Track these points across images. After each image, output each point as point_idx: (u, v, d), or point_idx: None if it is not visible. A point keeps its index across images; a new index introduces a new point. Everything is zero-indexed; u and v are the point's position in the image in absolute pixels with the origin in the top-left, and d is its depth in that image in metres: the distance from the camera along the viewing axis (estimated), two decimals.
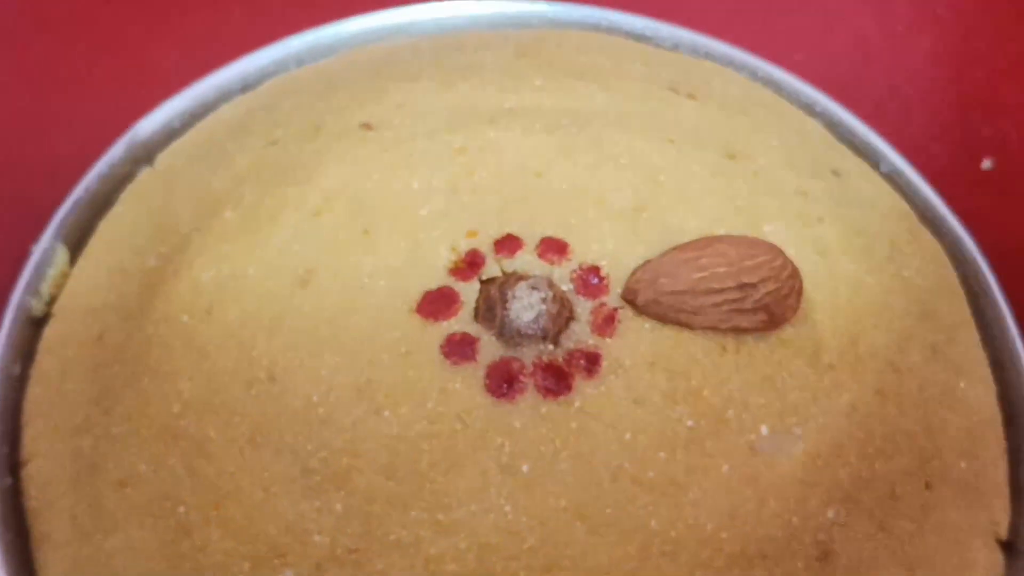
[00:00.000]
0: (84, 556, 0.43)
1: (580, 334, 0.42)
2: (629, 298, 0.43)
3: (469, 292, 0.43)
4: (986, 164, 0.64)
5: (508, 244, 0.44)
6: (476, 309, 0.43)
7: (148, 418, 0.43)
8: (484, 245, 0.44)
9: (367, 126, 0.49)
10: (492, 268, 0.44)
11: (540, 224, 0.45)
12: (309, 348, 0.42)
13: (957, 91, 0.67)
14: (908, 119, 0.60)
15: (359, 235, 0.45)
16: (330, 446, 0.41)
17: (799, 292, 0.44)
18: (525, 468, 0.40)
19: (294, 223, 0.45)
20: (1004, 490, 0.47)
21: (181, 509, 0.42)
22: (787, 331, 0.44)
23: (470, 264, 0.44)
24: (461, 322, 0.42)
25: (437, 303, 0.43)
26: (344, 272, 0.44)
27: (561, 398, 0.41)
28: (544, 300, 0.42)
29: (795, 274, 0.44)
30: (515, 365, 0.42)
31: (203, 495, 0.42)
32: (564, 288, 0.43)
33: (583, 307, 0.43)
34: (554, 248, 0.44)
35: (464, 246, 0.44)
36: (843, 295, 0.46)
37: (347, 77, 0.54)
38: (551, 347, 0.42)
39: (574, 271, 0.44)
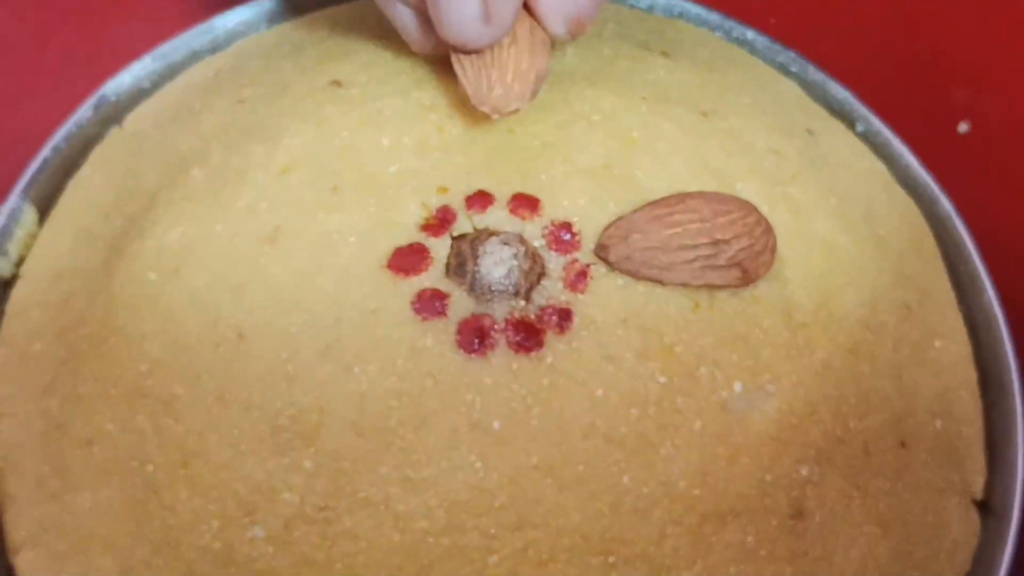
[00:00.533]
0: (51, 516, 0.42)
1: (552, 290, 0.42)
2: (601, 254, 0.42)
3: (440, 248, 0.43)
4: (962, 127, 0.64)
5: (479, 200, 0.44)
6: (447, 265, 0.42)
7: (115, 378, 0.43)
8: (455, 201, 0.44)
9: (336, 83, 0.48)
10: (463, 224, 0.43)
11: (511, 180, 0.44)
12: (277, 306, 0.42)
13: (935, 54, 0.66)
14: (885, 82, 0.60)
15: (327, 193, 0.44)
16: (299, 404, 0.40)
17: (772, 249, 0.43)
18: (496, 425, 0.40)
19: (261, 182, 0.45)
20: (979, 450, 0.47)
21: (149, 468, 0.41)
22: (760, 288, 0.44)
23: (441, 220, 0.43)
24: (432, 278, 0.42)
25: (407, 259, 0.42)
26: (312, 230, 0.43)
27: (532, 354, 0.41)
28: (515, 256, 0.42)
29: (768, 230, 0.43)
30: (486, 321, 0.41)
31: (171, 454, 0.41)
32: (536, 244, 0.43)
33: (555, 263, 0.43)
34: (526, 204, 0.44)
35: (435, 202, 0.44)
36: (817, 253, 0.46)
37: (316, 37, 0.54)
38: (523, 303, 0.42)
39: (546, 227, 0.43)
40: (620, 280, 0.42)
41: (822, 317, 0.44)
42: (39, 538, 0.43)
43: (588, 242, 0.43)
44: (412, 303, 0.41)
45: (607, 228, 0.43)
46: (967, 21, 0.66)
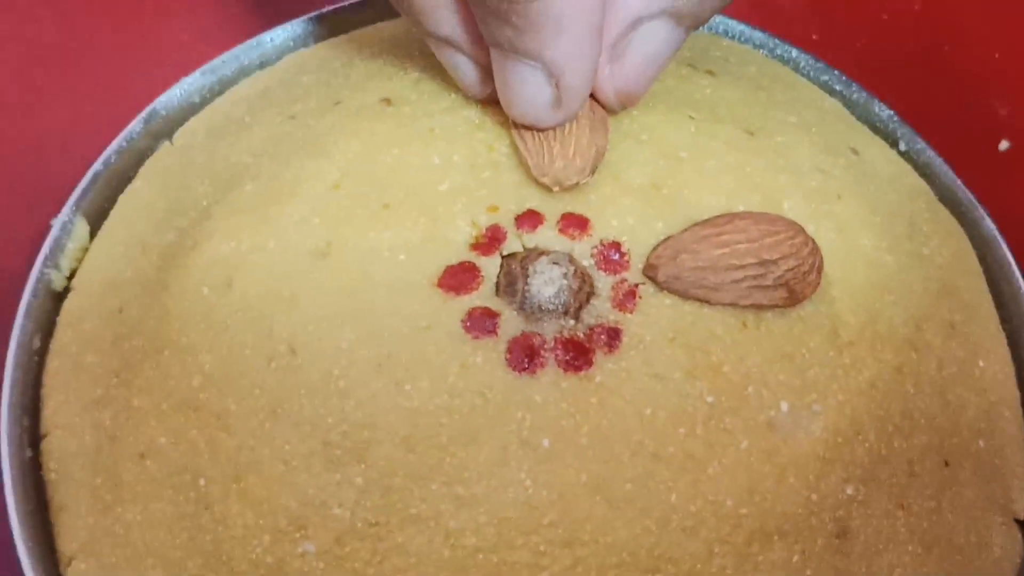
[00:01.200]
0: (103, 528, 0.43)
1: (601, 309, 0.42)
2: (650, 274, 0.43)
3: (490, 267, 0.43)
4: (1003, 145, 0.64)
5: (529, 219, 0.44)
6: (497, 284, 0.43)
7: (168, 391, 0.43)
8: (505, 220, 0.44)
9: (386, 101, 0.49)
10: (513, 243, 0.44)
11: (560, 199, 0.45)
12: (329, 322, 0.42)
13: (976, 72, 0.66)
14: (927, 99, 0.60)
15: (378, 209, 0.45)
16: (350, 419, 0.41)
17: (819, 269, 0.44)
18: (545, 442, 0.40)
19: (313, 196, 0.45)
20: (1022, 469, 0.48)
21: (201, 482, 0.42)
22: (806, 308, 0.44)
23: (491, 239, 0.44)
24: (482, 297, 0.42)
25: (458, 277, 0.43)
26: (363, 246, 0.44)
27: (582, 373, 0.41)
28: (565, 275, 0.42)
29: (815, 251, 0.44)
30: (536, 340, 0.42)
31: (223, 468, 0.42)
32: (585, 263, 0.43)
33: (604, 282, 0.43)
34: (575, 223, 0.44)
35: (485, 221, 0.44)
36: (861, 272, 0.46)
37: (365, 53, 0.54)
38: (572, 322, 0.42)
39: (595, 247, 0.44)
40: (668, 300, 0.43)
41: (868, 336, 0.44)
42: (91, 549, 0.43)
43: (637, 261, 0.43)
44: (463, 321, 0.42)
45: (656, 248, 0.43)
46: (1010, 38, 0.66)
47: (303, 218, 0.45)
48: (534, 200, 0.45)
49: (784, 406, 0.42)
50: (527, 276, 0.42)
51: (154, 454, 0.43)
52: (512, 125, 0.46)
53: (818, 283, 0.44)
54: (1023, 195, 0.59)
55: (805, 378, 0.43)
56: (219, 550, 0.41)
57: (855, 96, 0.57)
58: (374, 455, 0.40)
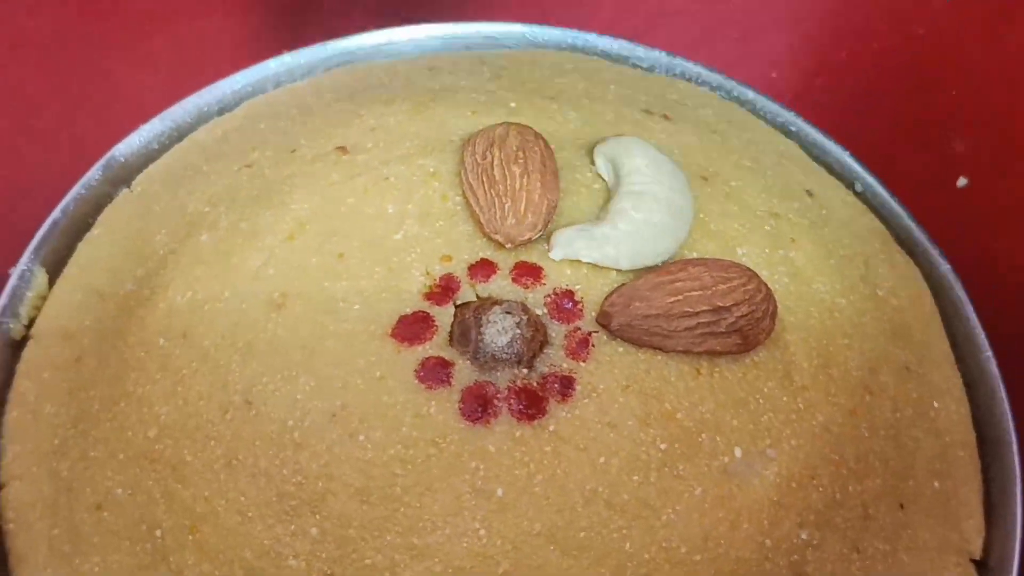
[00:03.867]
0: None
1: (554, 358, 0.43)
2: (603, 322, 0.43)
3: (444, 316, 0.43)
4: (961, 182, 0.64)
5: (482, 269, 0.44)
6: (451, 334, 0.43)
7: (124, 442, 0.43)
8: (458, 269, 0.44)
9: (342, 149, 0.49)
10: (467, 293, 0.44)
11: (514, 249, 0.45)
12: (284, 372, 0.42)
13: (934, 109, 0.67)
14: (884, 138, 0.60)
15: (333, 259, 0.45)
16: (305, 471, 0.41)
17: (773, 315, 0.44)
18: (499, 492, 0.41)
19: (268, 247, 0.46)
20: (977, 510, 0.48)
21: (157, 533, 0.42)
22: (760, 353, 0.44)
23: (444, 288, 0.44)
24: (436, 347, 0.43)
25: (412, 327, 0.43)
26: (318, 296, 0.44)
27: (535, 422, 0.41)
28: (518, 324, 0.42)
29: (769, 297, 0.44)
30: (489, 389, 0.42)
31: (179, 519, 0.42)
32: (538, 312, 0.43)
33: (557, 331, 0.43)
34: (528, 272, 0.44)
35: (439, 270, 0.44)
36: (816, 316, 0.47)
37: (322, 100, 0.54)
38: (525, 371, 0.42)
39: (548, 295, 0.44)
40: (622, 347, 0.43)
41: (822, 380, 0.45)
42: None
43: (590, 309, 0.44)
44: (416, 371, 0.42)
45: (609, 296, 0.43)
46: (966, 76, 0.67)
47: (258, 269, 0.45)
48: (487, 250, 0.45)
49: (738, 452, 0.42)
50: (480, 325, 0.42)
51: (111, 505, 0.43)
52: (463, 180, 0.46)
53: (772, 329, 0.44)
54: (980, 231, 0.59)
55: (759, 423, 0.43)
56: None
57: (811, 138, 0.57)
58: (329, 506, 0.41)
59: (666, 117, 0.53)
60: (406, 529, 0.40)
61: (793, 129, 0.58)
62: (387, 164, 0.48)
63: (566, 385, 0.42)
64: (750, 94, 0.59)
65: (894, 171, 0.56)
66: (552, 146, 0.47)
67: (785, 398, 0.44)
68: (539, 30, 0.59)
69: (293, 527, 0.41)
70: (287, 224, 0.46)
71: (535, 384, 0.42)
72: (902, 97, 0.67)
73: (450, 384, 0.42)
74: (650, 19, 0.64)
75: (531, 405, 0.42)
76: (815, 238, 0.49)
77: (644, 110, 0.53)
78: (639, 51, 0.60)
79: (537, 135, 0.47)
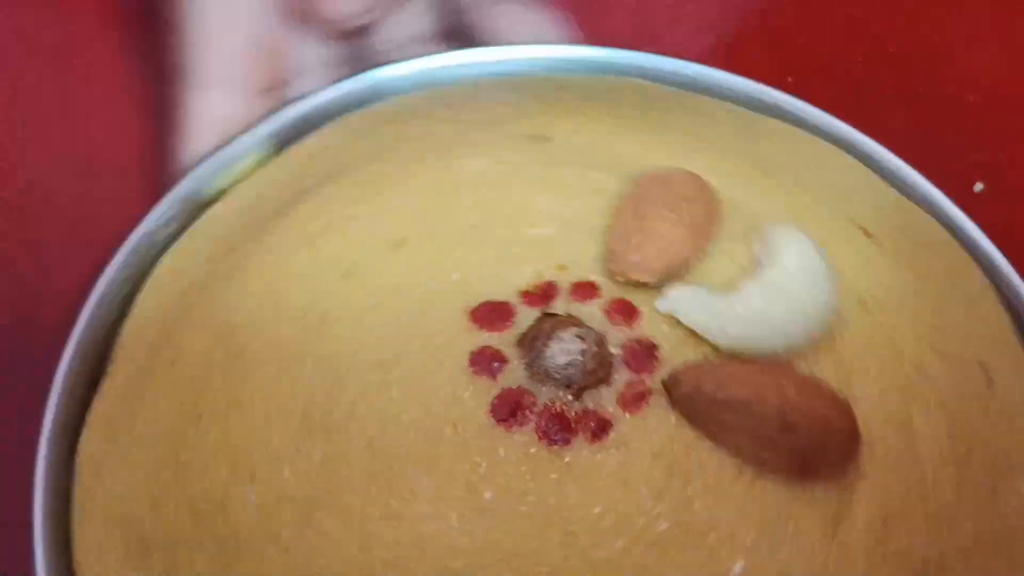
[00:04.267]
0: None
1: (605, 399, 0.42)
2: (668, 384, 0.42)
3: (528, 319, 0.43)
4: (978, 187, 0.62)
5: (584, 290, 0.44)
6: (523, 335, 0.43)
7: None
8: (565, 282, 0.44)
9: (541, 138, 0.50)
10: (561, 306, 0.44)
11: (623, 283, 0.44)
12: (365, 306, 0.44)
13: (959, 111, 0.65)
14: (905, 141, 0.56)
15: (467, 226, 0.46)
16: (335, 399, 0.42)
17: (848, 455, 0.41)
18: (488, 495, 0.40)
19: (418, 188, 0.48)
20: None
21: (206, 397, 0.44)
22: (819, 488, 0.42)
23: (543, 294, 0.44)
24: (503, 342, 0.43)
25: (492, 314, 0.43)
26: (433, 247, 0.45)
27: (555, 448, 0.41)
28: (583, 352, 0.42)
29: (854, 437, 0.42)
30: (527, 398, 0.42)
31: (223, 395, 0.44)
32: (612, 351, 0.43)
33: (621, 376, 0.42)
34: (624, 311, 0.44)
35: (548, 276, 0.44)
36: (914, 495, 0.43)
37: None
38: (570, 399, 0.42)
39: (631, 340, 0.43)
40: (674, 418, 0.42)
41: (870, 544, 0.42)
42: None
43: (665, 370, 0.42)
44: (472, 353, 0.42)
45: (688, 364, 0.42)
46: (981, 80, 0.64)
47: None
48: (602, 276, 0.44)
49: (739, 568, 0.40)
50: (549, 338, 0.42)
51: (182, 357, 0.46)
52: (617, 206, 0.46)
53: (842, 469, 0.41)
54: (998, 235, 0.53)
55: (775, 553, 0.41)
56: (185, 470, 0.43)
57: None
58: (338, 441, 0.42)
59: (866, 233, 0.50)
60: (389, 490, 0.41)
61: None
62: (569, 165, 0.48)
63: (601, 427, 0.41)
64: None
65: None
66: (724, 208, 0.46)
67: (817, 543, 0.41)
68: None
69: (302, 446, 0.42)
70: (452, 176, 0.48)
71: (573, 414, 0.41)
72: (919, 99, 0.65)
73: (495, 379, 0.42)
74: None
75: (559, 431, 0.41)
76: (952, 417, 0.45)
77: (852, 219, 0.50)
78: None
79: (713, 195, 0.46)
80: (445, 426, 0.41)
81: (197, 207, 0.52)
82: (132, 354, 0.47)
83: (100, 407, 0.47)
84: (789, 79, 0.60)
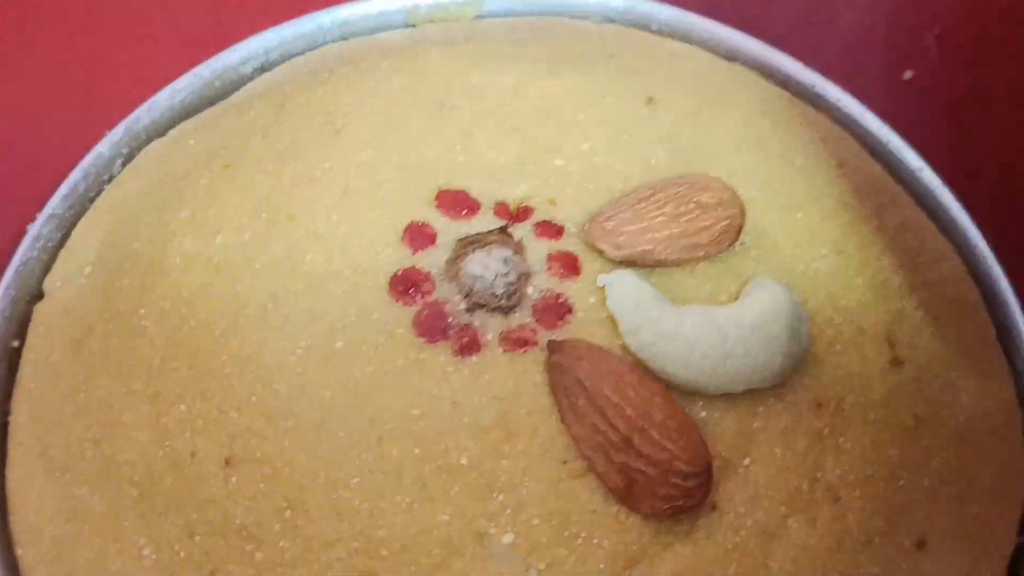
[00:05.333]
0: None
1: (493, 324, 0.42)
2: (552, 347, 0.41)
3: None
4: (907, 75, 0.64)
5: (548, 229, 0.45)
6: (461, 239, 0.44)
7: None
8: (541, 211, 0.45)
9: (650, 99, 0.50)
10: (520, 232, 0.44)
11: (586, 242, 0.44)
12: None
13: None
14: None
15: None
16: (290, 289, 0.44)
17: (677, 510, 0.40)
18: (416, 412, 0.42)
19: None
20: None
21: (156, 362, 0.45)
22: (634, 517, 0.40)
23: (516, 214, 0.45)
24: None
25: (459, 203, 0.45)
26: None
27: (419, 340, 0.42)
28: (496, 274, 0.42)
29: (691, 495, 0.40)
30: (425, 285, 0.42)
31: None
32: (529, 292, 0.43)
33: (523, 315, 0.43)
34: (567, 264, 0.44)
35: (532, 202, 0.45)
36: None
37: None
38: (463, 307, 0.42)
39: (552, 293, 0.43)
40: (539, 378, 0.41)
41: None
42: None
43: (566, 330, 0.42)
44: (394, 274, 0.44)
45: (583, 341, 0.41)
46: None
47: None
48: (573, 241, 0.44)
49: (506, 540, 0.40)
50: (477, 249, 0.43)
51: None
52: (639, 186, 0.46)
53: (665, 517, 0.40)
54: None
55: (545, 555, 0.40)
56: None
57: None
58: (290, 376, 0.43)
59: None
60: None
61: None
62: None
63: (469, 346, 0.42)
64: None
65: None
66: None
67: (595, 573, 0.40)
68: None
69: (259, 386, 0.42)
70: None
71: (453, 320, 0.42)
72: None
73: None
74: None
75: (435, 328, 0.42)
76: None
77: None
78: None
79: (740, 214, 0.44)
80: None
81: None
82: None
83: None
84: None
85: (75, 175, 0.52)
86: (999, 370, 0.48)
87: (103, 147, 0.53)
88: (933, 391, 0.45)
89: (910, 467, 0.43)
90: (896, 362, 0.45)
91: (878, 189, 0.51)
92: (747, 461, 0.42)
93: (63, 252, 0.50)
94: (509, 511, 0.40)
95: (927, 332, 0.46)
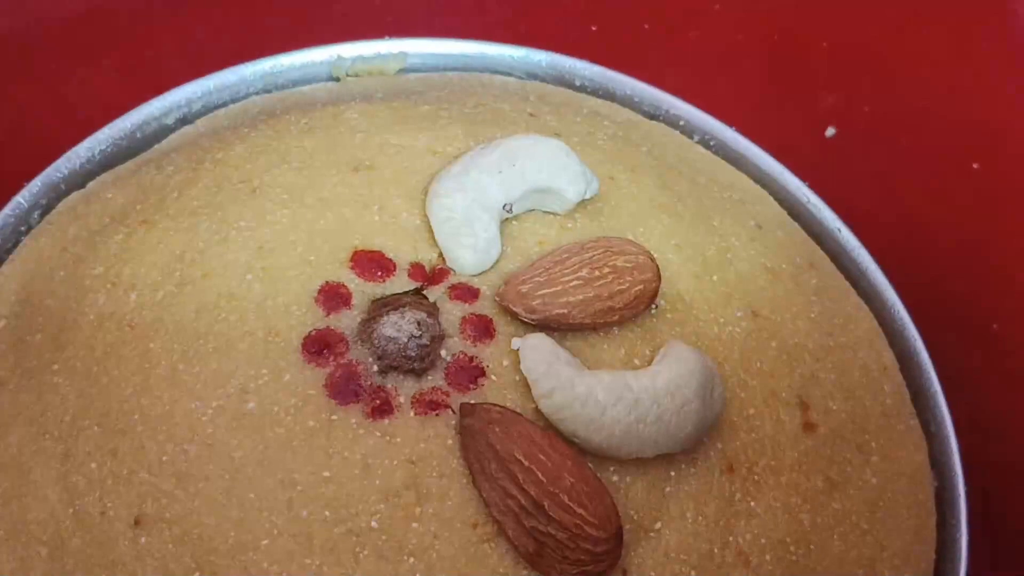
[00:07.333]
0: None
1: (405, 387, 0.42)
2: (464, 410, 0.41)
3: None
4: (829, 132, 0.66)
5: (464, 293, 0.44)
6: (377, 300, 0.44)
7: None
8: (456, 279, 0.45)
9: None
10: (435, 295, 0.44)
11: (499, 304, 0.44)
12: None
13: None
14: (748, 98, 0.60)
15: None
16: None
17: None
18: (250, 406, 0.41)
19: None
20: None
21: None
22: None
23: (431, 275, 0.45)
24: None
25: (374, 264, 0.45)
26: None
27: (332, 402, 0.42)
28: (410, 336, 0.42)
29: (598, 562, 0.40)
30: (339, 346, 0.42)
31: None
32: (443, 355, 0.43)
33: (435, 378, 0.42)
34: (480, 327, 0.43)
35: (439, 265, 0.45)
36: None
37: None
38: (376, 369, 0.42)
39: (466, 355, 0.42)
40: (451, 440, 0.41)
41: None
42: None
43: (478, 393, 0.42)
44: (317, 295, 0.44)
45: (494, 404, 0.41)
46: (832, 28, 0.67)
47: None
48: (487, 304, 0.44)
49: None
50: (392, 312, 0.42)
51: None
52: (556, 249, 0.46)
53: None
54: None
55: None
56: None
57: None
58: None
59: None
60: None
61: None
62: None
63: (382, 409, 0.41)
64: None
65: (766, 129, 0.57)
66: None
67: None
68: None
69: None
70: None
71: (368, 382, 0.42)
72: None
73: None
74: None
75: (347, 391, 0.42)
76: None
77: None
78: None
79: (656, 281, 0.44)
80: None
81: None
82: None
83: None
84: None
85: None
86: (912, 433, 0.49)
87: (21, 198, 0.52)
88: (845, 454, 0.46)
89: (821, 531, 0.44)
90: (809, 426, 0.45)
91: (796, 251, 0.52)
92: (658, 525, 0.42)
93: None
94: (419, 575, 0.40)
95: (840, 395, 0.47)
